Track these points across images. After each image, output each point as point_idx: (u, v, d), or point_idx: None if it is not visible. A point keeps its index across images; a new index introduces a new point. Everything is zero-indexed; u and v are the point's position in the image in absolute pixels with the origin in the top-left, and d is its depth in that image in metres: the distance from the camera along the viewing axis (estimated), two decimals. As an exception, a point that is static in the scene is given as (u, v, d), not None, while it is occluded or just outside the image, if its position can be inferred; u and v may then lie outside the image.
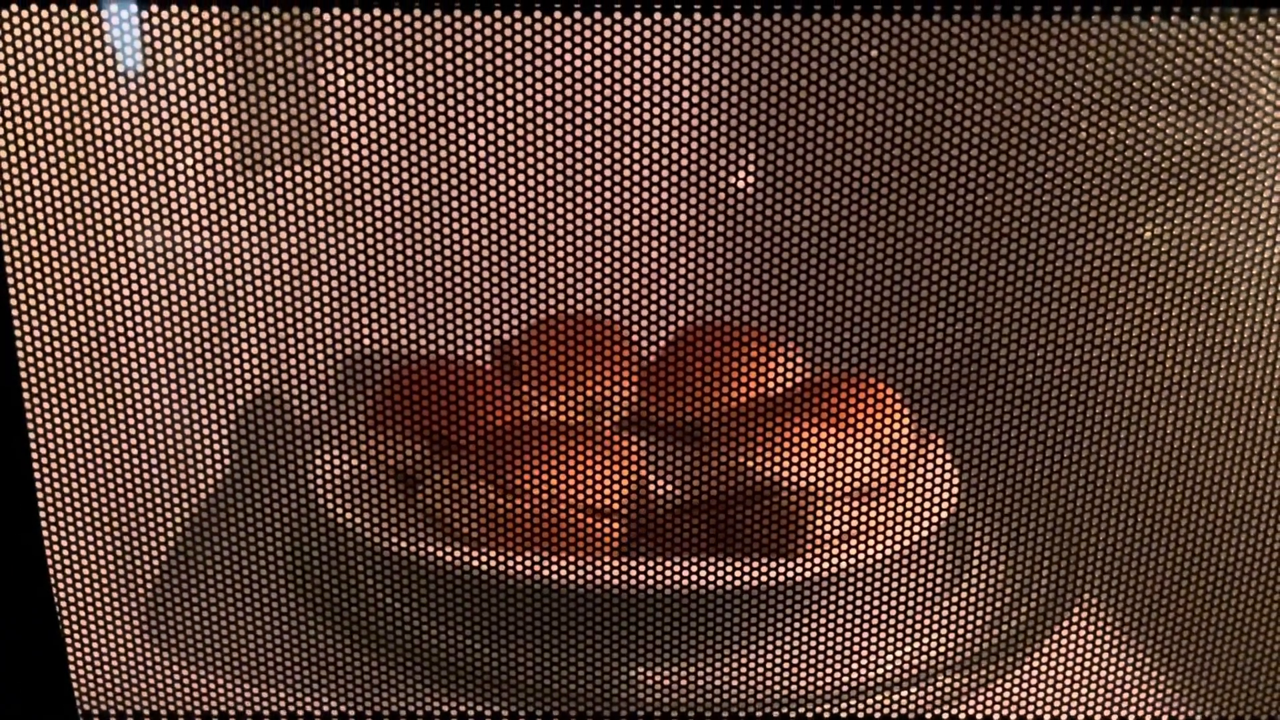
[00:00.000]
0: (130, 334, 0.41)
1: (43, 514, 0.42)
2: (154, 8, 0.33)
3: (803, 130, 0.38)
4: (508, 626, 0.47)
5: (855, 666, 0.46)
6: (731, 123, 0.40)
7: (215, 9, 0.33)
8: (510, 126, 0.37)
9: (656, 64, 0.35)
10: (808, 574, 0.46)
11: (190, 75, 0.36)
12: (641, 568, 0.45)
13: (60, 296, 0.39)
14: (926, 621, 0.48)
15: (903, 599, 0.46)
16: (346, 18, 0.34)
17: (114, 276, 0.40)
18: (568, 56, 0.35)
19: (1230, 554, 0.45)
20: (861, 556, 0.46)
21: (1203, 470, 0.44)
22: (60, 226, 0.38)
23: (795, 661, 0.45)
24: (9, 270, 0.38)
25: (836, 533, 0.46)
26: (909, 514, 0.48)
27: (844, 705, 0.46)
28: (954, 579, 0.51)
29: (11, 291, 0.38)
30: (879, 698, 0.48)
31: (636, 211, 0.38)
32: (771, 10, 0.33)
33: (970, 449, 0.44)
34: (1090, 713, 0.47)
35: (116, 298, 0.40)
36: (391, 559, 0.48)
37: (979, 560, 0.52)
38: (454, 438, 0.49)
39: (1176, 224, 0.40)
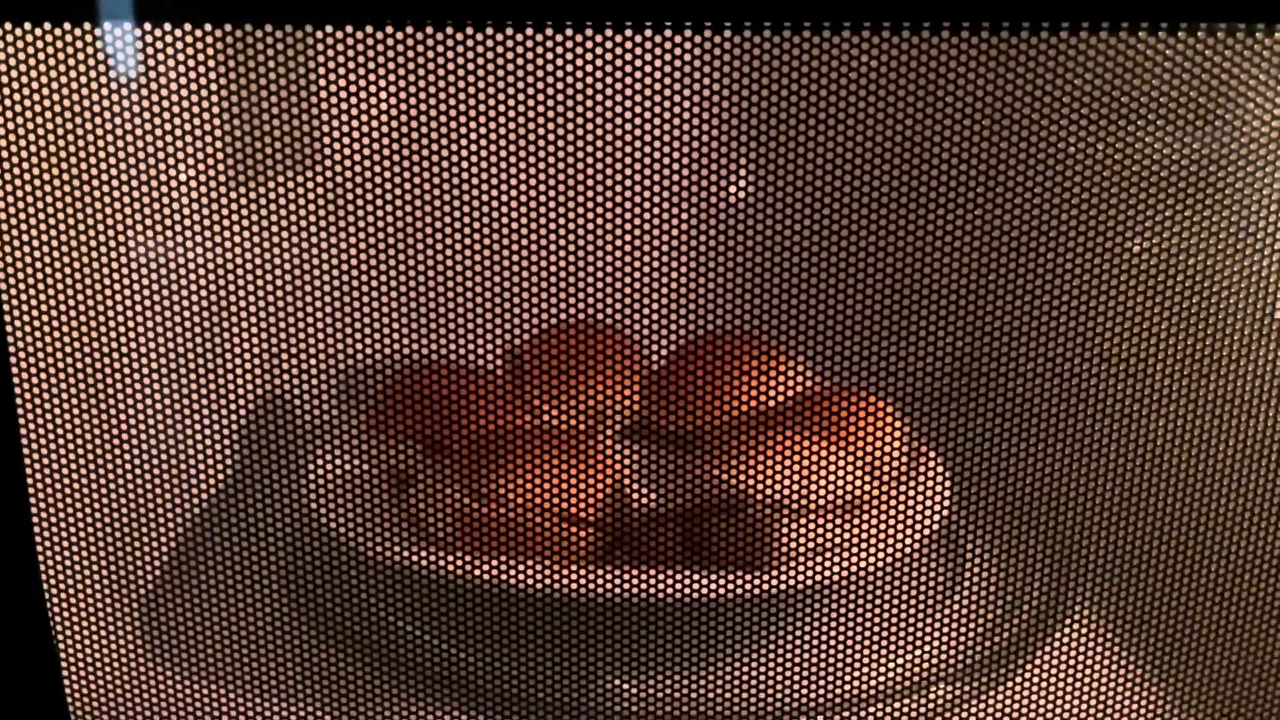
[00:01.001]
0: (126, 341, 0.41)
1: (37, 524, 0.42)
2: (148, 25, 0.34)
3: (799, 142, 0.38)
4: (483, 634, 0.47)
5: (843, 678, 0.46)
6: (732, 133, 0.40)
7: (209, 25, 0.33)
8: (510, 137, 0.37)
9: (655, 75, 0.36)
10: (788, 586, 0.46)
11: (186, 89, 0.36)
12: (608, 577, 0.45)
13: (56, 304, 0.40)
14: (916, 634, 0.48)
15: (891, 612, 0.46)
16: (348, 26, 0.34)
17: (109, 284, 0.40)
18: (571, 69, 0.35)
19: (1223, 564, 0.45)
20: (847, 569, 0.46)
21: (1194, 481, 0.44)
22: (56, 234, 0.39)
23: (782, 674, 0.45)
24: (2, 280, 0.38)
25: (816, 546, 0.47)
26: (893, 529, 0.48)
27: (832, 717, 0.47)
28: (946, 590, 0.51)
29: (5, 300, 0.39)
30: (869, 709, 0.48)
31: (636, 221, 0.39)
32: (761, 28, 0.33)
33: (964, 459, 0.44)
34: (1083, 724, 0.47)
35: (113, 305, 0.40)
36: (375, 563, 0.48)
37: (973, 571, 0.52)
38: (443, 442, 0.49)
39: (1164, 237, 0.40)
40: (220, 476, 0.47)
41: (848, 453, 0.48)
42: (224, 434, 0.45)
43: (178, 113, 0.36)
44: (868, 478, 0.48)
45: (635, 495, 0.50)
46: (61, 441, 0.42)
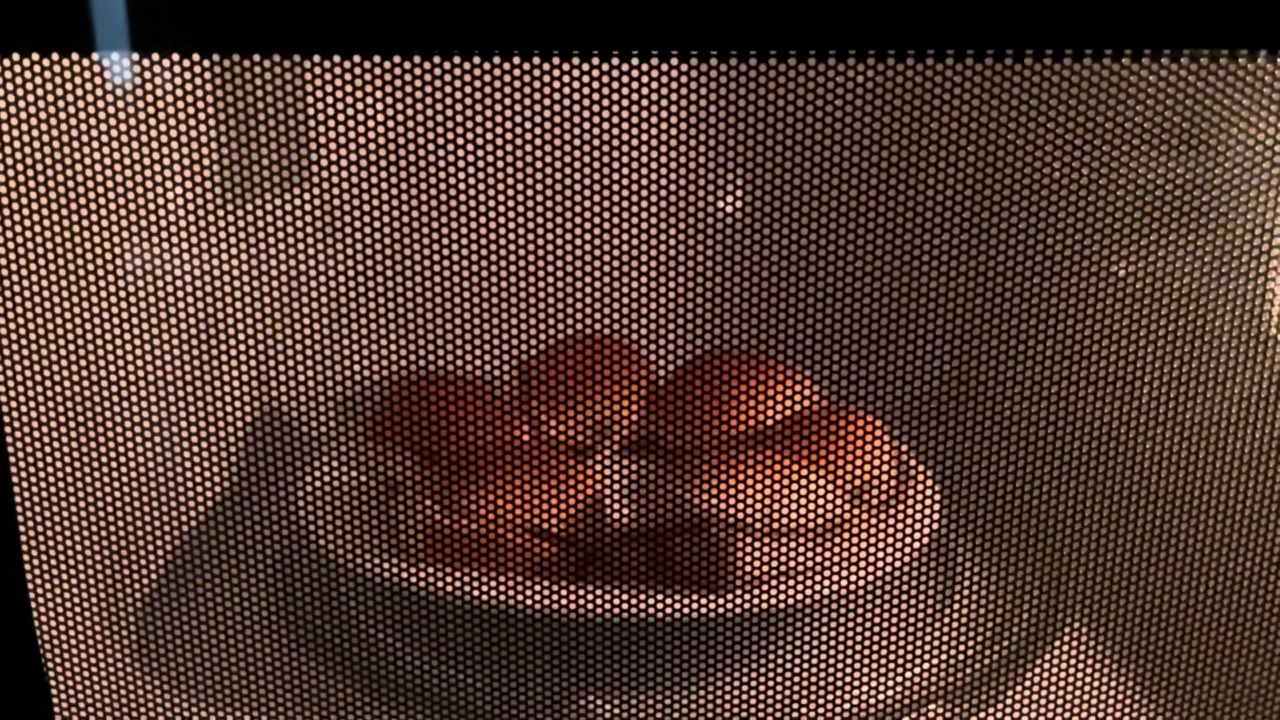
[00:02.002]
0: (115, 358, 0.41)
1: (25, 541, 0.43)
2: (146, 52, 0.34)
3: (792, 162, 0.39)
4: (457, 651, 0.47)
5: (828, 700, 0.46)
6: (725, 149, 0.40)
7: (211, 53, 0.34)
8: (506, 159, 0.38)
9: (651, 98, 0.36)
10: (760, 608, 0.46)
11: (180, 116, 0.37)
12: (576, 594, 0.45)
13: (42, 323, 0.40)
14: (903, 655, 0.48)
15: (877, 632, 0.46)
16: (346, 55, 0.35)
17: (96, 302, 0.41)
18: (567, 94, 0.36)
19: (1213, 578, 0.45)
20: (827, 590, 0.46)
21: (1182, 498, 0.44)
22: (42, 254, 0.39)
23: (764, 696, 0.45)
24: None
25: (782, 569, 0.46)
26: (870, 553, 0.47)
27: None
28: (936, 610, 0.51)
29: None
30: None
31: (628, 236, 0.39)
32: (746, 58, 0.34)
33: (955, 478, 0.45)
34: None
35: (101, 323, 0.41)
36: (350, 575, 0.48)
37: (964, 590, 0.52)
38: (435, 453, 0.50)
39: (1150, 260, 0.40)
40: (209, 495, 0.47)
41: (823, 475, 0.48)
42: (214, 452, 0.46)
43: (171, 138, 0.37)
44: (844, 500, 0.48)
45: (613, 512, 0.50)
46: (49, 458, 0.42)
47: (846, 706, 0.47)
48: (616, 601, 0.45)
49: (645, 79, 0.35)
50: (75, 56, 0.34)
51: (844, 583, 0.47)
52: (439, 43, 0.34)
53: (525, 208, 0.40)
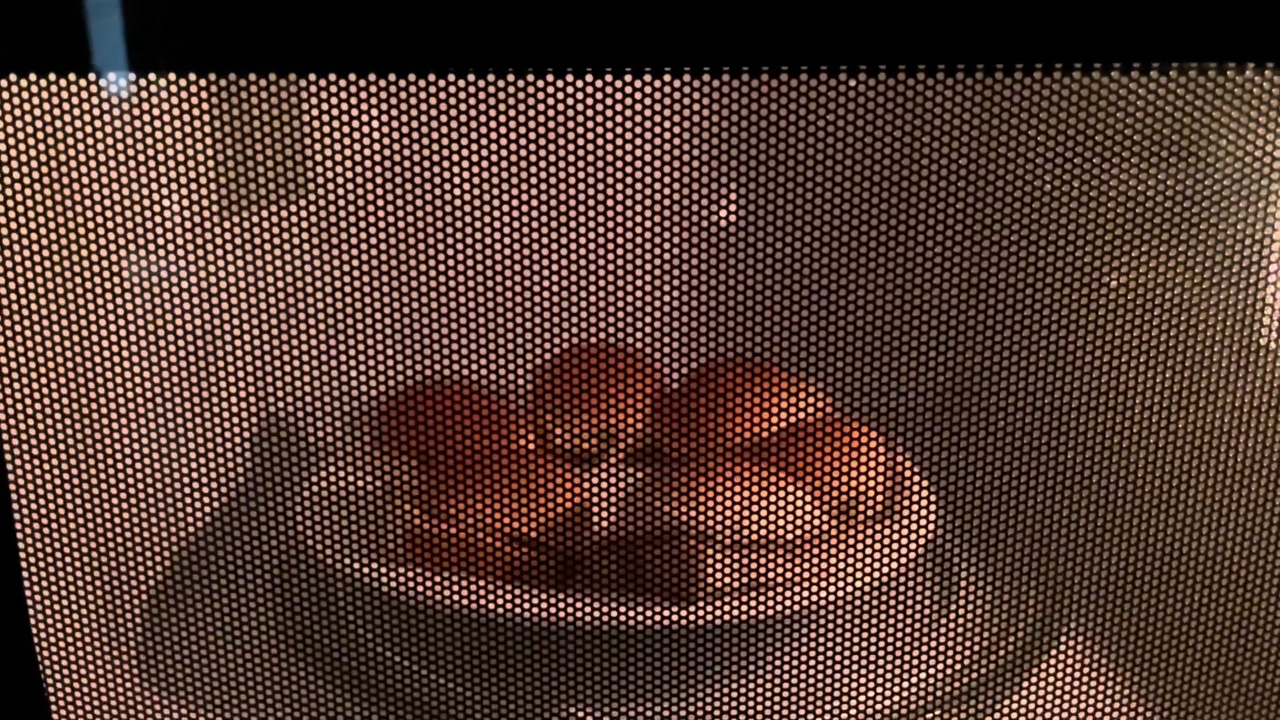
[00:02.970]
0: (112, 368, 0.42)
1: (23, 550, 0.43)
2: (147, 74, 0.35)
3: (790, 173, 0.39)
4: (437, 657, 0.47)
5: (814, 712, 0.46)
6: (721, 161, 0.41)
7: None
8: (505, 173, 0.38)
9: (650, 110, 0.36)
10: (724, 620, 0.46)
11: (178, 134, 0.37)
12: (552, 601, 0.45)
13: (40, 338, 0.40)
14: (892, 665, 0.48)
15: (863, 643, 0.46)
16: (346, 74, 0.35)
17: (93, 317, 0.41)
18: (565, 109, 0.36)
19: (1211, 588, 0.46)
20: (809, 601, 0.46)
21: (1179, 509, 0.44)
22: (38, 271, 0.40)
23: (748, 707, 0.45)
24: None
25: (751, 581, 0.46)
26: (848, 566, 0.47)
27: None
28: (930, 621, 0.51)
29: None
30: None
31: (628, 247, 0.39)
32: (739, 72, 0.34)
33: (949, 487, 0.45)
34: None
35: (98, 333, 0.41)
36: (337, 580, 0.48)
37: (960, 600, 0.52)
38: (426, 461, 0.50)
39: (1141, 272, 0.41)
40: (207, 505, 0.47)
41: (805, 489, 0.48)
42: (211, 464, 0.46)
43: (169, 156, 0.37)
44: (826, 514, 0.48)
45: (598, 522, 0.50)
46: (47, 468, 0.43)
47: (842, 718, 0.47)
48: (603, 611, 0.45)
49: (640, 94, 0.36)
50: (73, 76, 0.35)
51: (822, 597, 0.46)
52: (435, 62, 0.34)
53: (523, 221, 0.40)
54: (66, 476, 0.43)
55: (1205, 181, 0.39)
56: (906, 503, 0.51)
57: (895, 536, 0.49)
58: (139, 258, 0.40)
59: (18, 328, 0.40)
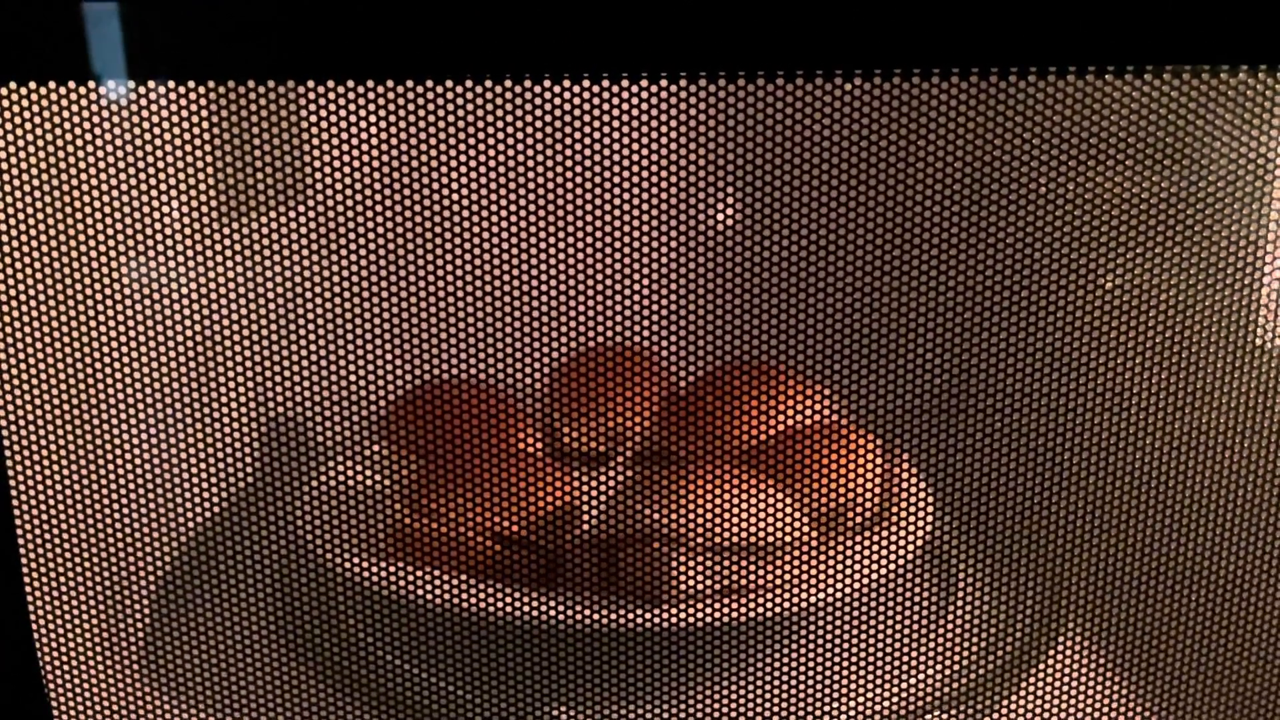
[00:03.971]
0: (113, 374, 0.42)
1: (24, 552, 0.43)
2: (148, 82, 0.35)
3: (786, 176, 0.39)
4: (423, 655, 0.47)
5: (800, 715, 0.46)
6: (718, 165, 0.41)
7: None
8: (502, 179, 0.38)
9: (644, 116, 0.37)
10: (695, 622, 0.46)
11: (177, 141, 0.37)
12: (538, 601, 0.45)
13: (41, 342, 0.41)
14: (891, 667, 0.48)
15: (863, 645, 0.46)
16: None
17: (94, 321, 0.41)
18: (562, 114, 0.36)
19: (1208, 588, 0.46)
20: (798, 604, 0.46)
21: (1176, 508, 0.44)
22: (40, 276, 0.40)
23: (734, 709, 0.45)
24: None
25: (723, 586, 0.46)
26: (830, 573, 0.47)
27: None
28: (930, 622, 0.51)
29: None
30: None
31: (626, 248, 0.39)
32: (736, 78, 0.34)
33: (949, 486, 0.45)
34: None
35: (100, 336, 0.41)
36: (355, 587, 0.48)
37: (959, 602, 0.52)
38: (444, 458, 0.50)
39: (1136, 273, 0.41)
40: (206, 508, 0.47)
41: (787, 496, 0.47)
42: (213, 462, 0.46)
43: (168, 163, 0.38)
44: (805, 519, 0.48)
45: (582, 521, 0.51)
46: (48, 472, 0.43)
47: (842, 718, 0.47)
48: (580, 613, 0.45)
49: (637, 99, 0.36)
50: (72, 84, 0.35)
51: (801, 603, 0.46)
52: (434, 69, 0.34)
53: (523, 223, 0.40)
54: (67, 479, 0.43)
55: (1199, 183, 0.39)
56: (900, 509, 0.51)
57: (881, 545, 0.49)
58: (139, 263, 0.40)
59: (20, 333, 0.40)
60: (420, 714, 0.48)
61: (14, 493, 0.42)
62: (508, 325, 0.42)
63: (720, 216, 0.43)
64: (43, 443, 0.42)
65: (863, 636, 0.46)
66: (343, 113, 0.36)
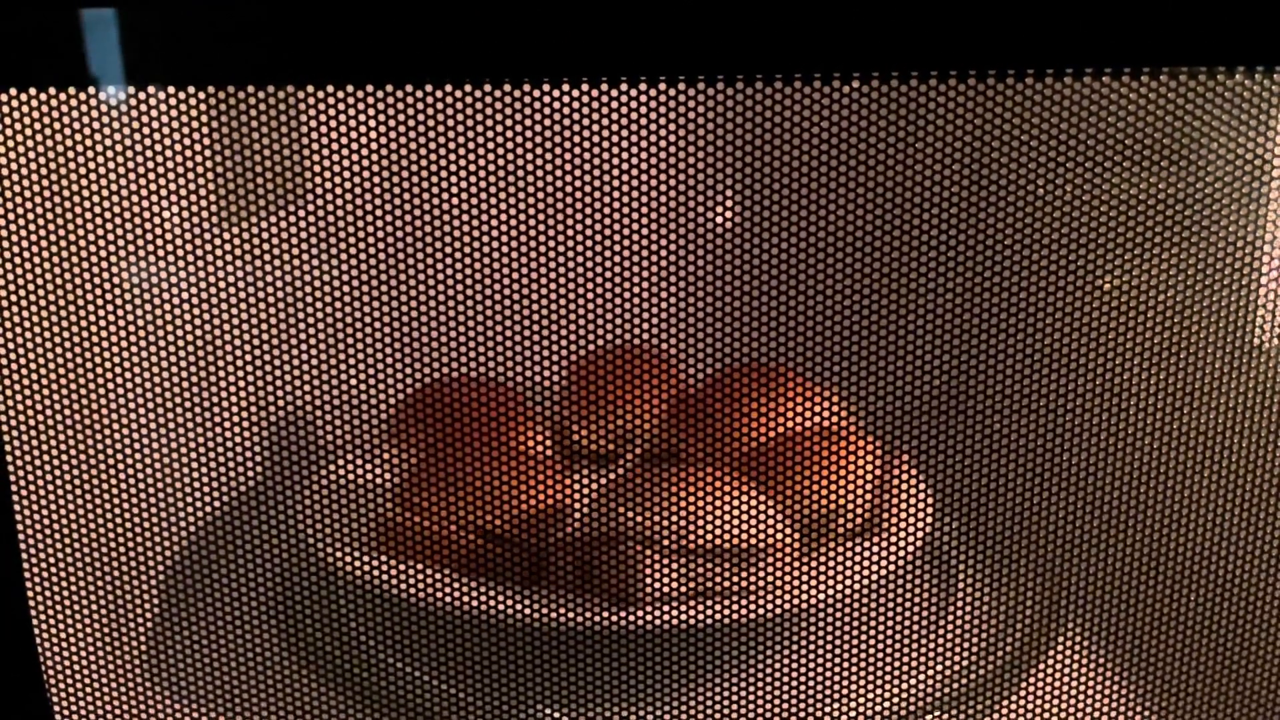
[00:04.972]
0: (114, 376, 0.42)
1: (25, 552, 0.43)
2: (148, 87, 0.35)
3: (786, 178, 0.39)
4: (414, 653, 0.47)
5: (790, 716, 0.46)
6: (719, 165, 0.41)
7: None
8: (505, 181, 0.39)
9: (643, 118, 0.37)
10: (667, 623, 0.46)
11: (176, 145, 0.37)
12: (527, 600, 0.45)
13: (42, 343, 0.41)
14: (891, 667, 0.48)
15: (862, 645, 0.46)
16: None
17: (95, 323, 0.41)
18: (558, 117, 0.36)
19: (1207, 587, 0.46)
20: (788, 606, 0.46)
21: (1175, 508, 0.45)
22: (40, 279, 0.40)
23: (725, 710, 0.45)
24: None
25: (694, 589, 0.46)
26: (821, 578, 0.47)
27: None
28: (929, 623, 0.51)
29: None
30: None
31: (625, 253, 0.39)
32: (733, 81, 0.34)
33: (949, 486, 0.45)
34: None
35: (100, 340, 0.41)
36: (357, 587, 0.48)
37: (958, 602, 0.52)
38: (445, 455, 0.50)
39: (1134, 274, 0.41)
40: (207, 507, 0.47)
41: (773, 501, 0.47)
42: (213, 463, 0.46)
43: (167, 168, 0.38)
44: (793, 524, 0.48)
45: (571, 521, 0.50)
46: (49, 469, 0.43)
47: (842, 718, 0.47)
48: (559, 612, 0.45)
49: (637, 102, 0.36)
50: (71, 89, 0.35)
51: (783, 608, 0.46)
52: (437, 73, 0.34)
53: (525, 225, 0.40)
54: (68, 480, 0.43)
55: (1196, 184, 0.39)
56: (898, 514, 0.51)
57: (875, 550, 0.49)
58: (139, 265, 0.40)
59: (22, 336, 0.40)
60: (414, 712, 0.48)
61: (14, 493, 0.42)
62: (509, 325, 0.42)
63: (720, 219, 0.43)
64: (44, 444, 0.42)
65: (860, 639, 0.46)
66: (343, 115, 0.36)
